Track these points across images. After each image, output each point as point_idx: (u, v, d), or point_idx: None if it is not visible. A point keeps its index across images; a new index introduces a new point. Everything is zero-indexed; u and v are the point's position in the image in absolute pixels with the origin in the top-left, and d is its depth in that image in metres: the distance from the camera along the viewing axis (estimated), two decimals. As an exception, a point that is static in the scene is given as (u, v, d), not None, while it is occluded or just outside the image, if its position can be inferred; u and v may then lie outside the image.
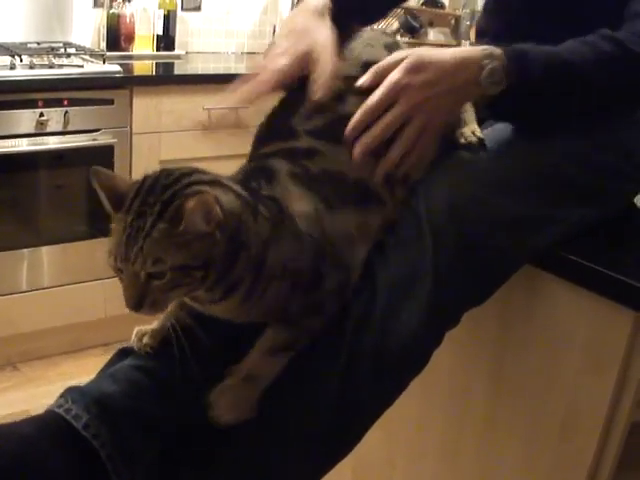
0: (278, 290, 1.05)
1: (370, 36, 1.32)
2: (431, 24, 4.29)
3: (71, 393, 1.08)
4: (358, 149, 1.17)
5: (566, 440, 1.32)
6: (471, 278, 1.19)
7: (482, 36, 1.67)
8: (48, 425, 1.04)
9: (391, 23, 3.99)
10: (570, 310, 1.30)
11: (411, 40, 4.11)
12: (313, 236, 1.09)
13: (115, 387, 1.08)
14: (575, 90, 1.25)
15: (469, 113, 1.33)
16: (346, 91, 1.21)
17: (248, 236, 1.01)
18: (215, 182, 1.01)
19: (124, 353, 1.17)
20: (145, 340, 1.13)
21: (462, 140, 1.28)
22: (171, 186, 0.97)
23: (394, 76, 1.17)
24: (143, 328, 1.15)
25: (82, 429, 1.03)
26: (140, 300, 0.96)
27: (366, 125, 1.17)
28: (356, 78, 1.21)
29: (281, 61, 1.22)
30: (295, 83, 1.22)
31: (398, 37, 4.12)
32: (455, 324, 1.22)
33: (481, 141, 1.27)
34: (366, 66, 1.21)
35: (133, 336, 1.15)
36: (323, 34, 1.25)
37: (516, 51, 1.21)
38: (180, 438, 1.11)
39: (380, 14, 1.59)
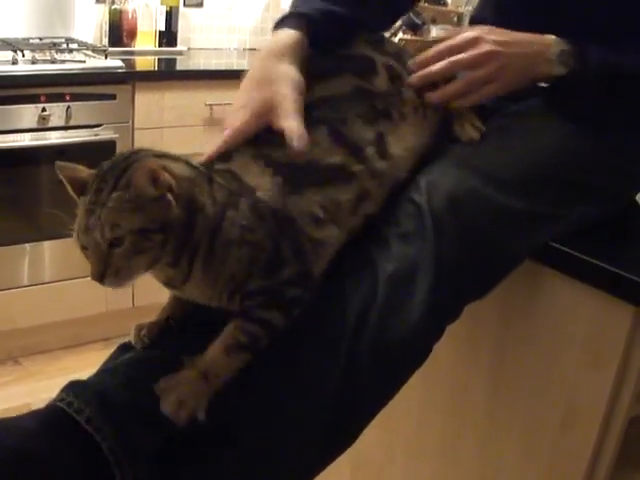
0: (237, 259, 1.05)
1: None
2: (434, 21, 4.29)
3: (73, 387, 1.08)
4: (420, 74, 1.25)
5: (565, 434, 1.32)
6: (472, 272, 1.20)
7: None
8: (50, 419, 1.04)
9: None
10: (570, 305, 1.30)
11: (414, 37, 4.11)
12: (273, 207, 1.09)
13: (116, 381, 1.08)
14: (625, 89, 1.30)
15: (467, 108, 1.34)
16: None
17: (203, 199, 1.03)
18: (165, 155, 1.05)
19: (125, 348, 1.18)
20: (143, 332, 1.14)
21: (464, 135, 1.30)
22: (122, 162, 1.01)
23: (469, 32, 1.26)
24: (141, 323, 1.16)
25: (84, 422, 1.03)
26: (103, 269, 0.99)
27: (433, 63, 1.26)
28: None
29: (240, 117, 1.18)
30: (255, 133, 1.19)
31: (401, 34, 4.12)
32: (455, 318, 1.22)
33: (482, 133, 1.29)
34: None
35: (132, 334, 1.16)
36: (282, 81, 1.20)
37: (582, 44, 1.28)
38: (181, 432, 1.11)
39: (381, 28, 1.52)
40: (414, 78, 1.27)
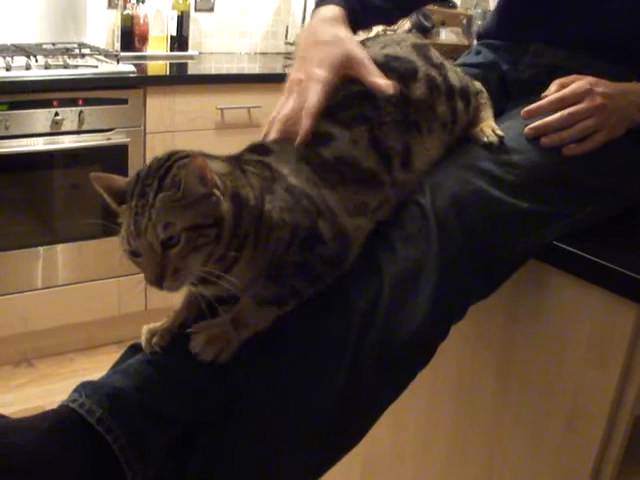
0: (278, 238, 1.07)
1: (392, 37, 1.35)
2: (443, 24, 4.30)
3: (84, 388, 1.09)
4: (537, 125, 1.31)
5: (571, 431, 1.33)
6: (476, 271, 1.21)
7: (487, 37, 1.69)
8: (62, 419, 1.05)
9: (403, 23, 4.00)
10: (575, 303, 1.31)
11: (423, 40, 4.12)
12: (307, 191, 1.11)
13: (127, 381, 1.09)
14: None
15: (487, 112, 1.36)
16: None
17: (245, 191, 1.05)
18: (201, 154, 1.05)
19: (135, 348, 1.18)
20: (155, 340, 1.14)
21: (484, 139, 1.31)
22: (163, 165, 1.02)
23: (580, 83, 1.32)
24: (152, 326, 1.16)
25: (96, 423, 1.04)
26: (161, 272, 0.99)
27: (547, 113, 1.31)
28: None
29: (321, 73, 1.23)
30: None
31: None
32: (460, 318, 1.23)
33: (501, 139, 1.30)
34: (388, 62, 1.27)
35: (142, 335, 1.15)
36: (354, 40, 1.28)
37: None
38: (188, 431, 1.12)
39: (402, 15, 1.60)
40: (530, 130, 1.31)
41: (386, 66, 1.26)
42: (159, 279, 0.99)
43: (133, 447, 1.05)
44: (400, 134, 1.22)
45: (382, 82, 1.21)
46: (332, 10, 1.34)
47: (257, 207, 1.05)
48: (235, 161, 1.11)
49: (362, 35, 1.39)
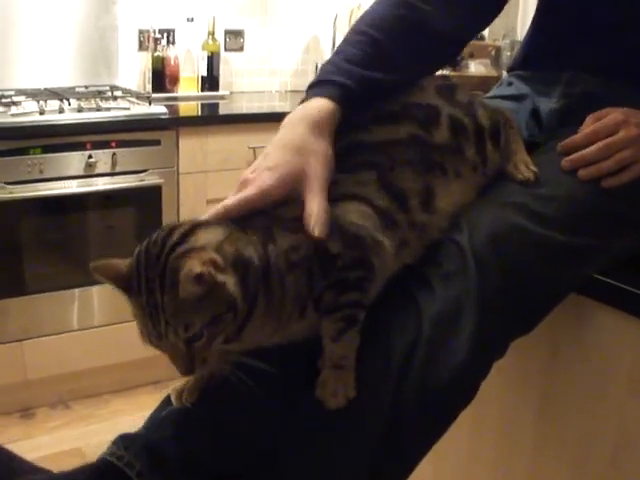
0: (295, 281, 1.04)
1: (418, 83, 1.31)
2: (471, 55, 4.31)
3: (123, 440, 1.09)
4: (574, 158, 1.29)
5: (616, 467, 1.31)
6: (516, 308, 1.19)
7: (518, 68, 1.68)
8: (101, 473, 1.04)
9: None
10: (616, 336, 1.29)
11: (452, 72, 4.12)
12: None
13: (165, 433, 1.08)
14: None
15: (518, 142, 1.34)
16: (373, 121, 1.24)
17: (248, 252, 1.00)
18: (197, 225, 1.01)
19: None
20: (185, 397, 1.12)
21: (519, 176, 1.29)
22: (160, 255, 0.97)
23: (614, 115, 1.31)
24: (178, 386, 1.13)
25: (135, 477, 1.03)
26: (190, 365, 0.98)
27: (582, 146, 1.30)
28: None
29: (269, 177, 1.13)
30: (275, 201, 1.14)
31: (439, 71, 4.14)
32: (502, 355, 1.21)
33: (536, 175, 1.29)
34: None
35: (172, 398, 1.13)
36: (318, 156, 1.17)
37: None
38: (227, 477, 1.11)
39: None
40: (567, 162, 1.30)
41: (403, 113, 1.23)
42: (189, 370, 0.99)
43: None
44: (418, 175, 1.19)
45: (315, 214, 1.09)
46: (319, 107, 1.23)
47: (262, 264, 1.01)
48: (238, 220, 1.05)
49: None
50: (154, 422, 1.14)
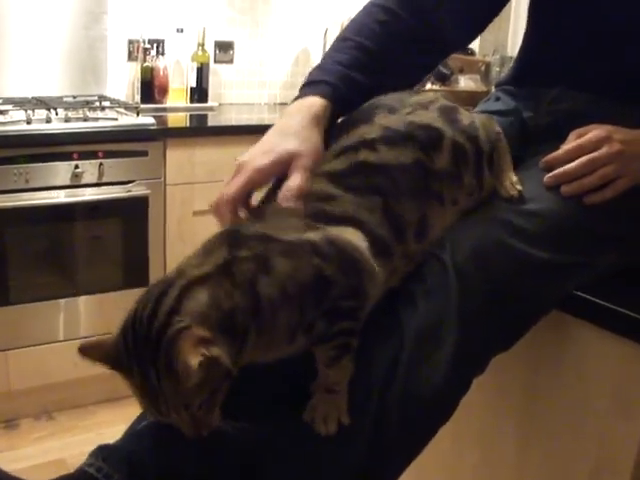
0: (288, 314, 1.02)
1: (423, 98, 1.29)
2: (461, 71, 4.32)
3: (102, 451, 1.08)
4: (556, 173, 1.30)
5: (598, 485, 1.31)
6: (497, 323, 1.19)
7: (506, 84, 1.69)
8: None
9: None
10: (598, 354, 1.29)
11: (442, 88, 4.13)
12: (306, 238, 1.07)
13: (144, 444, 1.08)
14: None
15: (506, 158, 1.33)
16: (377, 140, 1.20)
17: (231, 303, 0.98)
18: (180, 299, 0.97)
19: None
20: None
21: (504, 193, 1.28)
22: (148, 338, 0.95)
23: (597, 132, 1.31)
24: None
25: None
26: (197, 430, 0.98)
27: (565, 162, 1.30)
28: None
29: (265, 160, 1.18)
30: (269, 181, 1.21)
31: (429, 85, 4.15)
32: (482, 371, 1.21)
33: (520, 193, 1.28)
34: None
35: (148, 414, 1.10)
36: (311, 145, 1.21)
37: None
38: None
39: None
40: (549, 178, 1.29)
41: (409, 135, 1.20)
42: (198, 434, 0.99)
43: None
44: (417, 205, 1.18)
45: (291, 188, 1.15)
46: (313, 103, 1.28)
47: (249, 303, 0.99)
48: (223, 264, 1.01)
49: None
50: (133, 433, 1.13)
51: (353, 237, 1.10)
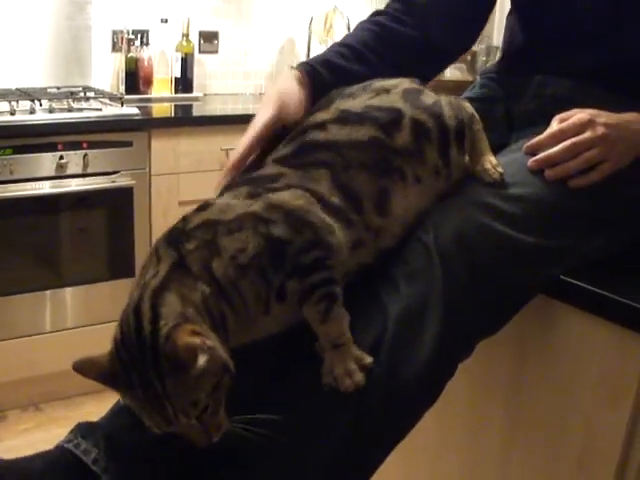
0: (251, 285, 1.04)
1: (387, 83, 1.31)
2: (447, 60, 4.31)
3: (80, 429, 1.09)
4: (540, 158, 1.30)
5: (583, 472, 1.31)
6: (482, 307, 1.19)
7: (490, 72, 1.69)
8: (57, 460, 1.05)
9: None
10: (584, 339, 1.29)
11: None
12: (252, 209, 1.08)
13: (124, 422, 1.08)
14: None
15: (484, 141, 1.34)
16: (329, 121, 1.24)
17: (197, 295, 1.00)
18: (154, 307, 0.99)
19: None
20: None
21: (487, 178, 1.28)
22: (143, 343, 0.96)
23: (580, 115, 1.31)
24: None
25: (91, 463, 1.03)
26: (208, 436, 0.99)
27: (548, 146, 1.31)
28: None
29: (265, 113, 1.30)
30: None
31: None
32: (468, 354, 1.22)
33: (502, 176, 1.29)
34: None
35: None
36: (296, 100, 1.35)
37: None
38: (182, 471, 1.11)
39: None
40: (533, 162, 1.30)
41: (365, 116, 1.22)
42: (209, 441, 0.99)
43: None
44: (372, 178, 1.18)
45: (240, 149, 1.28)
46: (294, 72, 1.41)
47: (214, 289, 1.01)
48: (175, 263, 1.03)
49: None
50: (114, 411, 1.14)
51: (291, 196, 1.11)
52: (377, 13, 1.56)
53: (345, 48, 1.45)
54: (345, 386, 1.10)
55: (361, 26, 1.53)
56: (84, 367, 1.00)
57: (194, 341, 0.92)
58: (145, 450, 1.07)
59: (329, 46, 1.51)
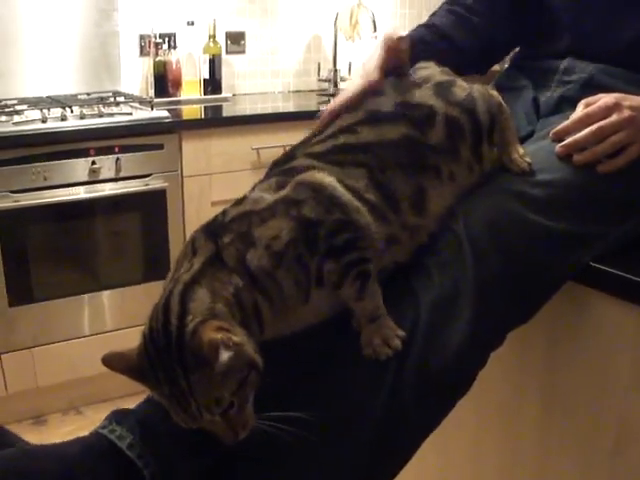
0: (288, 273, 1.05)
1: (417, 78, 1.32)
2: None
3: (116, 416, 1.11)
4: (567, 143, 1.30)
5: (620, 455, 1.31)
6: (513, 296, 1.20)
7: (518, 60, 1.69)
8: (92, 445, 1.07)
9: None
10: (617, 325, 1.29)
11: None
12: (285, 195, 1.10)
13: (158, 409, 1.09)
14: None
15: (511, 130, 1.34)
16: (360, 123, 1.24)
17: (231, 289, 1.02)
18: (183, 302, 1.00)
19: None
20: None
21: (515, 168, 1.29)
22: (169, 339, 0.98)
23: (606, 99, 1.30)
24: None
25: (126, 449, 1.05)
26: (234, 432, 1.00)
27: (575, 132, 1.31)
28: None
29: (349, 89, 1.31)
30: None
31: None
32: (499, 344, 1.22)
33: (530, 166, 1.29)
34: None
35: None
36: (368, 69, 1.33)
37: None
38: (220, 463, 1.12)
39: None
40: (561, 148, 1.30)
41: (400, 115, 1.23)
42: (235, 438, 1.01)
43: (164, 474, 1.06)
44: (409, 178, 1.19)
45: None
46: None
47: (247, 279, 1.03)
48: (212, 256, 1.06)
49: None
50: (149, 400, 1.15)
51: (322, 176, 1.12)
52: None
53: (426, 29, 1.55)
54: (384, 353, 1.12)
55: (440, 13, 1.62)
56: (113, 361, 1.02)
57: (217, 337, 0.93)
58: (181, 438, 1.08)
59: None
